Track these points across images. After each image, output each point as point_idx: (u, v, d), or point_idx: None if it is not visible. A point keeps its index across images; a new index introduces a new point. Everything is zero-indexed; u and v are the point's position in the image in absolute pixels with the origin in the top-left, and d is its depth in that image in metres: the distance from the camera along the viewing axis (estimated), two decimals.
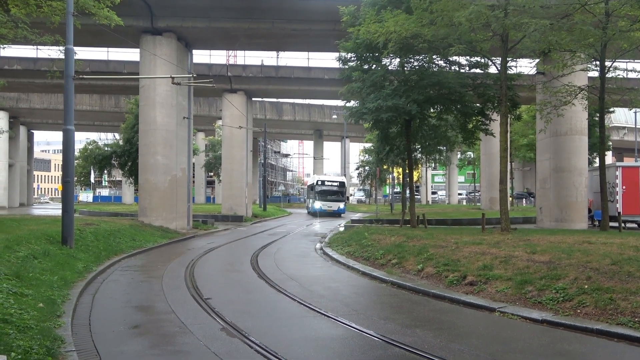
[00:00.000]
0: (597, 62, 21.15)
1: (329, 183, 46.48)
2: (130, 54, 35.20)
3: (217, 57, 73.79)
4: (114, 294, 10.85)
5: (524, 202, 59.20)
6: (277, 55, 49.55)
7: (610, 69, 21.13)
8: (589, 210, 27.12)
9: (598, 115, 24.20)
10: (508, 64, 19.67)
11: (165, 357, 6.71)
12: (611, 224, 21.80)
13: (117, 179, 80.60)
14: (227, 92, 37.79)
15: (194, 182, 46.45)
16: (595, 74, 23.10)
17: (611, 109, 39.43)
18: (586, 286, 9.06)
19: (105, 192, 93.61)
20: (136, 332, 7.95)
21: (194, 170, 53.89)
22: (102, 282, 12.22)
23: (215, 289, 11.53)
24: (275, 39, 28.81)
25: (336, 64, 24.89)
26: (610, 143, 49.68)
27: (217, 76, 34.65)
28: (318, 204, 45.07)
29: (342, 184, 46.51)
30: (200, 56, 73.54)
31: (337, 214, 45.53)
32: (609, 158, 50.73)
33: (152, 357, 6.70)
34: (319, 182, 46.39)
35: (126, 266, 14.93)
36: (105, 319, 8.67)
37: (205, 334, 7.78)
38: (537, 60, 25.29)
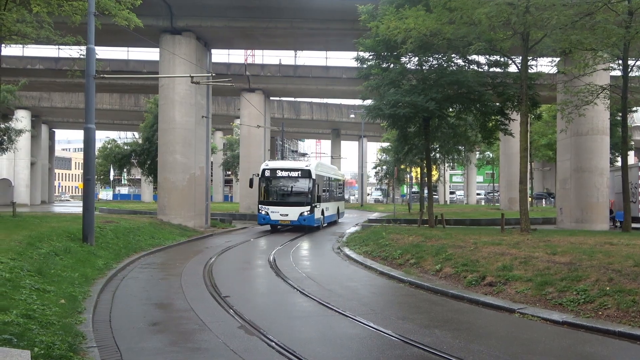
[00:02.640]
0: (620, 61, 20.81)
1: (284, 172, 26.84)
2: (150, 54, 35.61)
3: (235, 56, 74.29)
4: (134, 291, 10.97)
5: (544, 202, 58.49)
6: (295, 54, 49.45)
7: (634, 68, 20.78)
8: (610, 211, 26.71)
9: (620, 114, 23.82)
10: (528, 63, 19.44)
11: (185, 354, 6.77)
12: (633, 225, 21.44)
13: (137, 177, 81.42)
14: (245, 92, 37.95)
15: (212, 180, 44.56)
16: (618, 73, 22.74)
17: (634, 109, 38.78)
18: (608, 288, 8.93)
19: (124, 190, 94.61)
20: (156, 329, 8.02)
21: (212, 169, 53.95)
22: (122, 279, 12.36)
23: (233, 286, 11.59)
24: (293, 38, 28.88)
25: (354, 63, 24.79)
26: (633, 143, 48.91)
27: (236, 75, 34.81)
28: (265, 210, 26.36)
29: (306, 174, 26.45)
30: (219, 55, 74.01)
31: (302, 228, 26.62)
32: (631, 158, 49.89)
33: (171, 354, 6.75)
34: (267, 172, 26.71)
35: (145, 264, 15.07)
36: (125, 316, 8.76)
37: (223, 331, 7.82)
38: (558, 59, 24.97)
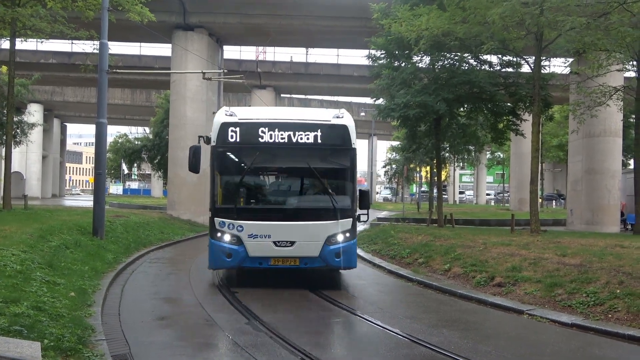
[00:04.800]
0: (634, 62, 20.60)
1: (280, 134, 10.45)
2: (162, 49, 35.81)
3: (247, 53, 74.05)
4: (143, 285, 11.03)
5: (554, 203, 58.10)
6: (307, 52, 49.36)
7: None
8: (622, 214, 26.47)
9: (634, 116, 23.58)
10: (542, 64, 19.30)
11: (192, 349, 6.80)
12: None
13: (147, 172, 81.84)
14: (257, 88, 38.00)
15: None
16: (632, 74, 22.51)
17: None
18: (618, 291, 8.85)
19: (134, 185, 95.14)
20: (164, 323, 8.07)
21: None
22: (131, 273, 12.44)
23: (241, 282, 11.62)
24: (305, 36, 28.89)
25: (365, 62, 24.82)
26: None
27: (247, 72, 34.86)
28: (232, 230, 10.33)
29: (338, 137, 10.65)
30: (231, 52, 74.16)
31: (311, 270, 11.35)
32: None
33: (179, 349, 6.79)
34: (236, 133, 10.44)
35: (154, 258, 15.16)
36: (134, 310, 8.82)
37: (231, 327, 7.85)
38: (571, 60, 24.77)
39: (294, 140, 10.37)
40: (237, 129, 10.35)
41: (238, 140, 10.38)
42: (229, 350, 6.86)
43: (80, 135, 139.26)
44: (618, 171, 25.65)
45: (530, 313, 8.84)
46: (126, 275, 12.11)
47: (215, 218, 10.38)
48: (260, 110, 12.83)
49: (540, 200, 38.47)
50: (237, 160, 10.86)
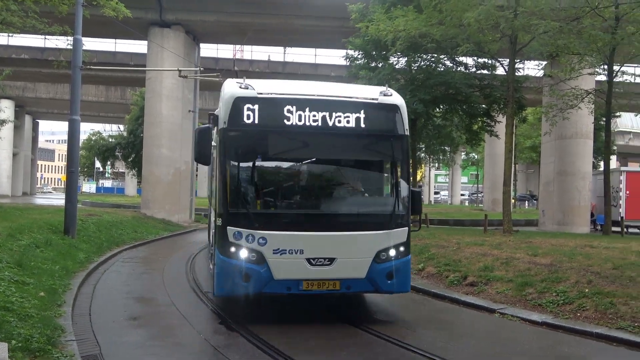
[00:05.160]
0: (605, 66, 21.06)
1: (312, 115, 7.78)
2: (138, 46, 35.17)
3: (224, 51, 73.86)
4: (115, 285, 10.88)
5: (527, 204, 59.04)
6: (284, 51, 49.26)
7: (618, 73, 21.04)
8: (592, 214, 27.05)
9: (604, 119, 24.10)
10: (516, 66, 19.61)
11: (164, 349, 6.74)
12: (613, 228, 21.73)
13: (121, 170, 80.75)
14: None
15: (197, 175, 43.84)
16: (603, 77, 23.01)
17: (617, 114, 39.28)
18: (587, 290, 9.05)
19: (108, 184, 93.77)
20: (136, 323, 7.98)
21: (197, 163, 53.37)
22: (103, 272, 12.26)
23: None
24: (283, 35, 28.84)
25: (343, 62, 24.87)
26: (615, 147, 49.46)
27: (224, 70, 34.51)
28: (250, 243, 7.53)
29: (387, 121, 8.17)
30: (208, 50, 73.36)
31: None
32: (614, 162, 50.55)
33: (151, 349, 6.72)
34: (255, 112, 7.65)
35: (127, 257, 14.97)
36: (105, 310, 8.70)
37: (204, 327, 7.81)
38: (545, 63, 25.20)
39: (331, 123, 7.81)
40: (257, 107, 7.64)
41: (257, 121, 7.63)
42: (202, 351, 6.81)
43: (52, 132, 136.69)
44: (589, 173, 26.18)
45: (502, 312, 8.98)
46: (98, 274, 11.93)
47: (228, 227, 7.50)
48: (283, 84, 9.32)
49: (513, 200, 39.06)
50: (256, 148, 8.01)
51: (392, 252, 7.95)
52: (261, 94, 7.79)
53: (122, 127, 54.75)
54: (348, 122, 7.87)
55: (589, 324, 8.04)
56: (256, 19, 26.02)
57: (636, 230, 25.91)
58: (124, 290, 10.41)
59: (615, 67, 20.73)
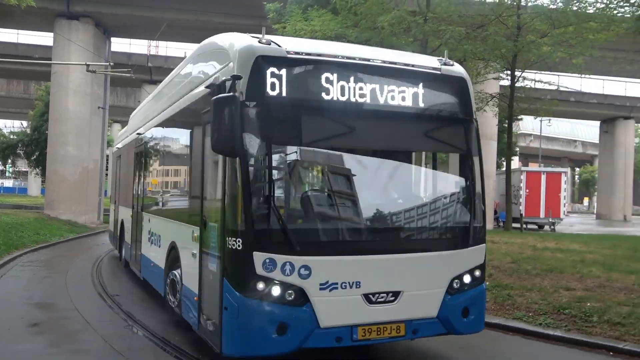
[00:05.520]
0: (508, 72, 22.37)
1: (359, 75, 5.48)
2: (43, 38, 33.24)
3: (138, 46, 70.82)
4: (13, 290, 10.23)
5: None
6: None
7: (520, 78, 22.42)
8: (495, 212, 28.64)
9: (507, 122, 25.60)
10: None
11: (64, 356, 6.42)
12: (514, 225, 23.15)
13: (23, 169, 75.95)
14: (147, 84, 36.50)
15: (107, 175, 41.72)
16: (506, 82, 24.41)
17: (519, 117, 41.87)
18: (487, 283, 9.54)
19: (9, 183, 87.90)
20: (35, 330, 7.54)
21: (107, 162, 51.27)
22: (0, 277, 11.48)
23: (123, 285, 11.13)
24: (199, 31, 28.10)
25: None
26: (517, 149, 52.62)
27: (137, 66, 33.28)
28: (278, 290, 5.05)
29: (455, 85, 6.21)
30: (120, 44, 70.45)
31: None
32: (515, 163, 53.74)
33: (49, 357, 6.38)
34: (273, 71, 5.15)
35: (28, 261, 14.10)
36: (1, 316, 8.15)
37: (109, 331, 7.50)
38: None
39: (383, 98, 5.54)
40: (286, 72, 5.17)
41: (286, 93, 5.16)
42: (105, 356, 6.54)
43: None
44: (493, 173, 27.69)
45: None
46: None
47: (255, 253, 4.98)
48: (312, 43, 7.04)
49: None
50: (289, 133, 5.36)
51: (467, 279, 5.86)
52: (294, 53, 5.31)
53: (25, 123, 51.46)
54: (410, 99, 5.70)
55: (487, 315, 8.46)
56: (169, 14, 25.35)
57: (534, 227, 27.78)
58: (23, 295, 9.79)
59: (517, 73, 22.06)
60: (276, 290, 5.01)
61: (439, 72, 6.05)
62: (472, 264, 5.89)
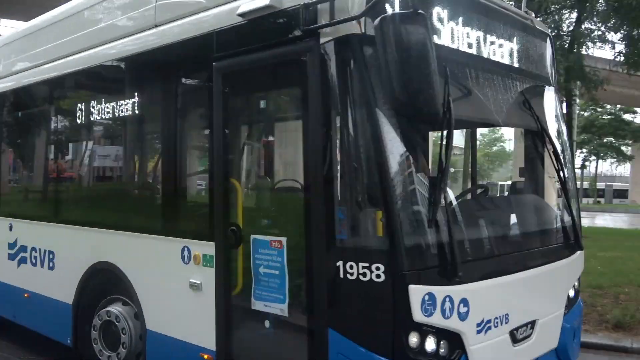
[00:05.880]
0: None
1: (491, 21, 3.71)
2: None
3: None
4: None
5: None
6: None
7: None
8: None
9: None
10: None
11: None
12: None
13: None
14: None
15: None
16: None
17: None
18: None
19: None
20: None
21: None
22: None
23: None
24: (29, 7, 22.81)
25: None
26: None
27: None
28: (432, 342, 2.95)
29: (542, 43, 4.33)
30: None
31: None
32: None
33: None
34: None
35: None
36: None
37: None
38: None
39: (512, 59, 3.90)
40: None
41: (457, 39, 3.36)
42: None
43: None
44: None
45: None
46: None
47: (412, 287, 2.82)
48: None
49: None
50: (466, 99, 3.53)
51: (572, 293, 4.24)
52: None
53: None
54: (523, 59, 4.01)
55: None
56: None
57: None
58: None
59: None
60: (430, 344, 2.91)
61: (529, 24, 4.22)
62: (578, 272, 4.31)
